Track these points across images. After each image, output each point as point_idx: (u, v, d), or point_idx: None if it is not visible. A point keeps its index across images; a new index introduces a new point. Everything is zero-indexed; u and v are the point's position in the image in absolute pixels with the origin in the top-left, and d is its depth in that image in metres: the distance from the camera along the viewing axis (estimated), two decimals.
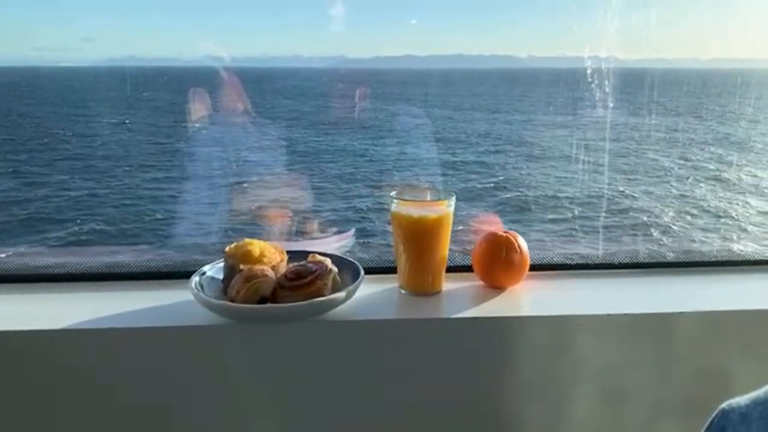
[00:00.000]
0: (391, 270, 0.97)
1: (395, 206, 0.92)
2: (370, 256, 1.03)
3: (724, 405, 0.52)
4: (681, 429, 0.93)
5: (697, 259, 1.09)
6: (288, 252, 0.93)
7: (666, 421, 0.94)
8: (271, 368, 0.87)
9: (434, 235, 0.92)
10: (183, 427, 0.89)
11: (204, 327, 0.83)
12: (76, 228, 8.73)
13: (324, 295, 0.83)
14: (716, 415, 0.52)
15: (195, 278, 0.88)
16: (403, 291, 0.95)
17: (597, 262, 1.07)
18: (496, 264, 0.95)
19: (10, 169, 12.91)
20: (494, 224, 1.12)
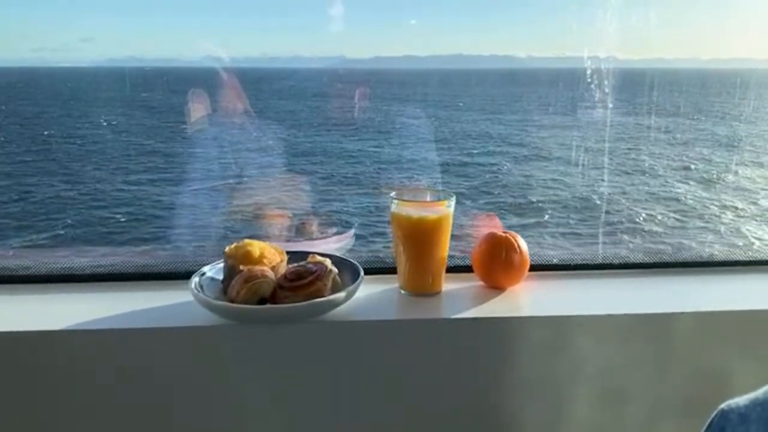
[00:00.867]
0: (391, 270, 0.98)
1: (395, 207, 0.92)
2: (365, 255, 1.03)
3: (723, 405, 0.52)
4: (680, 429, 0.93)
5: (696, 260, 1.09)
6: (288, 252, 0.93)
7: (665, 421, 0.94)
8: (271, 368, 0.87)
9: (434, 236, 0.92)
10: (183, 427, 0.89)
11: (204, 327, 0.83)
12: (34, 236, 8.52)
13: (324, 296, 0.83)
14: (715, 416, 0.52)
15: (195, 279, 0.88)
16: (403, 291, 0.95)
17: (597, 262, 1.07)
18: (496, 264, 0.95)
19: None
20: (494, 224, 1.12)
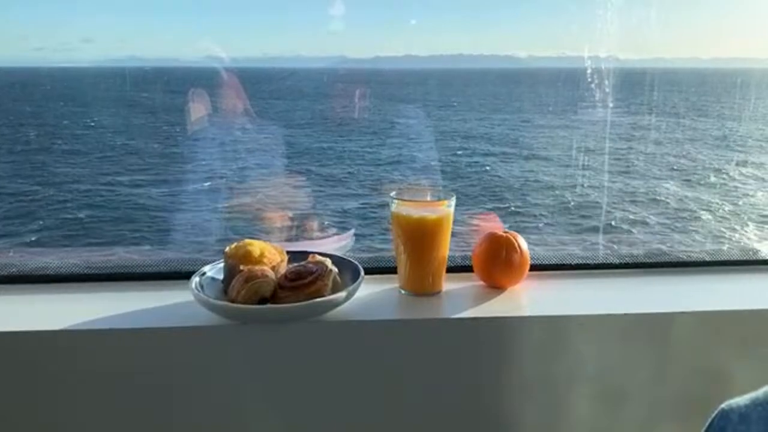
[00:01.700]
0: (391, 270, 0.98)
1: (395, 206, 0.92)
2: (366, 255, 1.03)
3: (723, 405, 0.52)
4: (680, 429, 0.93)
5: (696, 259, 1.09)
6: (288, 252, 0.93)
7: (665, 420, 0.94)
8: (271, 368, 0.87)
9: (434, 236, 0.92)
10: (183, 427, 0.89)
11: (204, 327, 0.83)
12: None
13: (324, 296, 0.83)
14: (716, 416, 0.52)
15: (195, 279, 0.88)
16: (403, 291, 0.95)
17: (597, 262, 1.07)
18: (496, 264, 0.95)
19: None
20: (494, 224, 1.12)
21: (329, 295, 0.84)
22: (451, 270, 0.97)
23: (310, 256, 0.91)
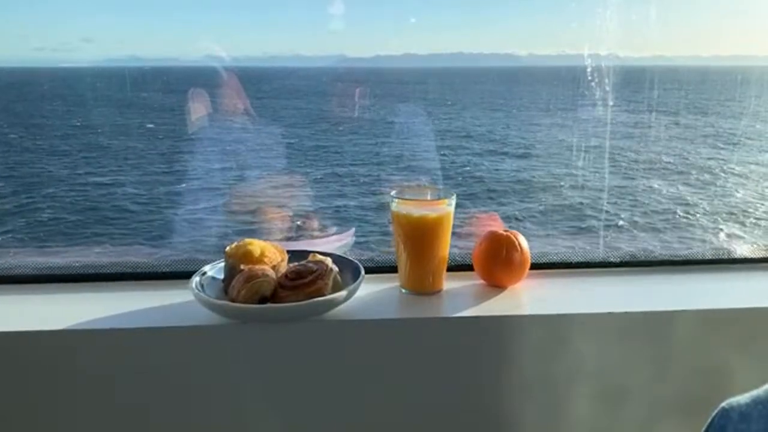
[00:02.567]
0: (391, 269, 0.98)
1: (395, 205, 0.92)
2: (366, 254, 1.03)
3: (724, 404, 0.52)
4: (681, 427, 0.93)
5: (697, 258, 1.09)
6: (288, 251, 0.93)
7: (666, 419, 0.94)
8: (272, 368, 0.87)
9: (434, 235, 0.92)
10: (183, 426, 0.89)
11: (205, 327, 0.83)
12: None
13: (324, 295, 0.83)
14: (717, 414, 0.52)
15: (195, 278, 0.88)
16: (403, 290, 0.95)
17: (597, 261, 1.07)
18: (496, 263, 0.95)
19: None
20: (495, 223, 1.12)
21: (330, 294, 0.84)
22: (451, 269, 0.97)
23: (311, 255, 0.91)
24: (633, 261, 1.07)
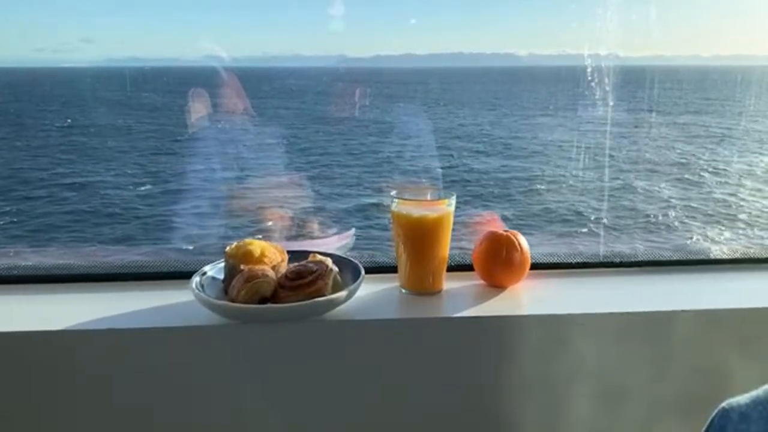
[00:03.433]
0: (391, 269, 0.98)
1: (395, 206, 0.92)
2: (366, 255, 1.03)
3: (724, 404, 0.52)
4: (681, 427, 0.93)
5: (697, 258, 1.09)
6: (288, 252, 0.93)
7: (666, 419, 0.94)
8: (272, 368, 0.87)
9: (434, 235, 0.92)
10: (183, 426, 0.89)
11: (205, 327, 0.83)
12: None
13: (324, 295, 0.83)
14: (716, 414, 0.52)
15: (196, 278, 0.88)
16: (403, 290, 0.95)
17: (597, 261, 1.07)
18: (496, 263, 0.95)
19: None
20: (494, 223, 1.12)
21: (330, 294, 0.84)
22: (451, 269, 0.97)
23: (311, 255, 0.91)
24: (633, 261, 1.07)
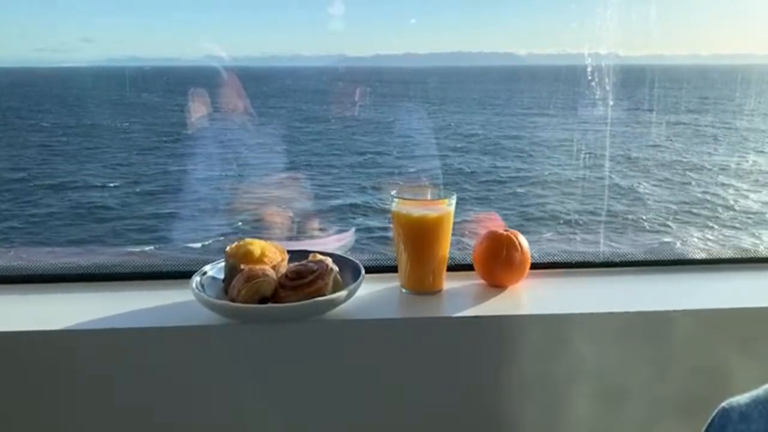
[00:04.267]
0: (391, 269, 0.97)
1: (395, 205, 0.92)
2: (366, 254, 1.03)
3: (724, 404, 0.52)
4: (681, 427, 0.93)
5: (696, 257, 1.09)
6: (289, 251, 0.93)
7: (666, 419, 0.94)
8: (272, 368, 0.87)
9: (435, 234, 0.92)
10: (183, 426, 0.89)
11: (205, 327, 0.83)
12: None
13: (325, 295, 0.83)
14: (717, 414, 0.52)
15: (196, 278, 0.88)
16: (403, 290, 0.95)
17: (598, 260, 1.07)
18: (496, 263, 0.95)
19: None
20: (495, 223, 1.12)
21: (330, 294, 0.84)
22: (451, 268, 0.97)
23: (311, 255, 0.91)
24: (633, 261, 1.07)
